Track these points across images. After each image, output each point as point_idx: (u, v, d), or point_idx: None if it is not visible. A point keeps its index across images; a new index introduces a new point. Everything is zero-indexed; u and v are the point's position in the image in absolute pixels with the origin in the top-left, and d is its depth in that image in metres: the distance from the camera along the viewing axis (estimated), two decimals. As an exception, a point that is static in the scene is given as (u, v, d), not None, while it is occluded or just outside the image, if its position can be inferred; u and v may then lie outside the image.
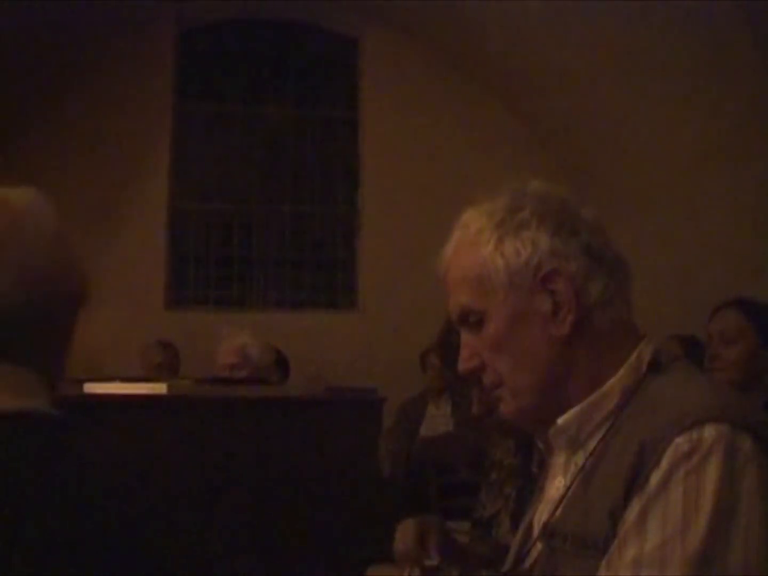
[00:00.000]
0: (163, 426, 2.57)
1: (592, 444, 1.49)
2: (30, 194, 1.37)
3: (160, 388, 2.73)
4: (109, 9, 7.68)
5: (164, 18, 8.38)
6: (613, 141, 7.56)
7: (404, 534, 2.17)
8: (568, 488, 1.50)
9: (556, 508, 1.51)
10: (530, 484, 2.17)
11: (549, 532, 1.51)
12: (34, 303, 1.26)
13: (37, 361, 1.28)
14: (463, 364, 1.60)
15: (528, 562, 1.56)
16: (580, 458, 1.51)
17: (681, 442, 1.32)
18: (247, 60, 8.77)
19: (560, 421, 1.52)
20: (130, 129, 8.18)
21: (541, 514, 1.60)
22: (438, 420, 6.41)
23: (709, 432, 1.33)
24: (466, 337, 1.60)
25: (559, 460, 1.59)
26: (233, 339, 4.83)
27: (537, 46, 7.37)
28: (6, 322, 1.23)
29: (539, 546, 1.54)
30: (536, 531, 1.58)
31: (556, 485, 1.57)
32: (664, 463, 1.32)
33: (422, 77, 8.56)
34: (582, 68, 7.21)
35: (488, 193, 1.61)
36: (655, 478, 1.32)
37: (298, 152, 8.78)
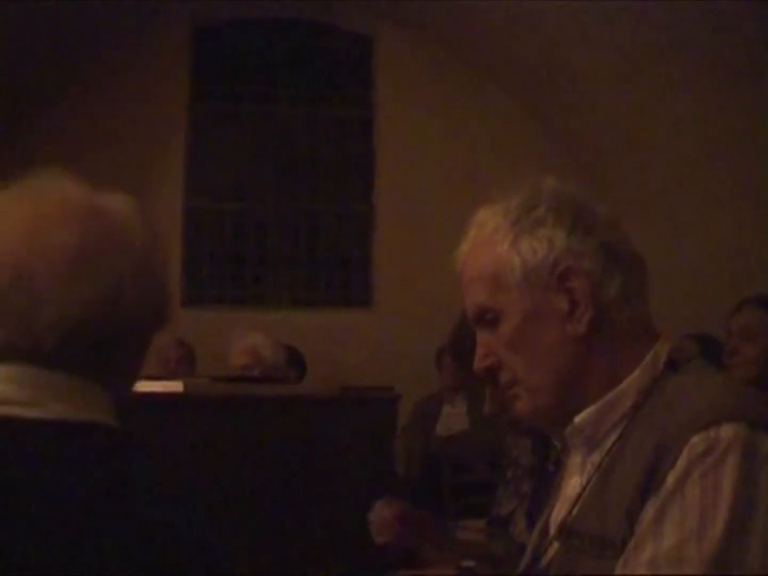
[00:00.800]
0: (178, 424, 2.58)
1: (608, 443, 1.49)
2: (127, 204, 1.34)
3: (176, 386, 2.73)
4: (124, 8, 7.70)
5: (178, 17, 8.39)
6: (626, 139, 7.55)
7: (380, 509, 2.20)
8: (585, 488, 1.49)
9: (573, 507, 1.51)
10: (546, 483, 2.17)
11: (566, 531, 1.51)
12: (114, 319, 1.24)
13: (107, 376, 1.27)
14: (479, 363, 1.59)
15: (544, 562, 1.56)
16: (596, 457, 1.51)
17: (697, 442, 1.31)
18: (261, 59, 8.78)
19: (577, 420, 1.52)
20: (145, 128, 8.20)
21: (557, 514, 1.59)
22: (454, 418, 6.40)
23: (726, 431, 1.32)
24: (482, 336, 1.59)
25: (575, 459, 1.58)
26: (244, 339, 4.83)
27: (551, 44, 7.36)
28: (82, 334, 1.21)
29: (556, 545, 1.54)
30: (552, 530, 1.57)
31: (573, 484, 1.56)
32: (681, 463, 1.31)
33: (437, 75, 8.56)
34: (596, 67, 7.20)
35: (503, 191, 1.60)
36: (671, 478, 1.32)
37: (313, 151, 8.79)
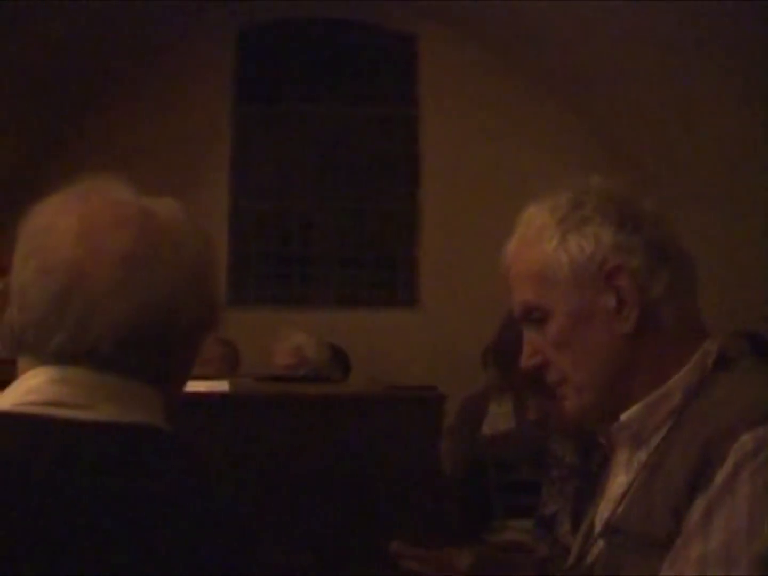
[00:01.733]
0: (224, 424, 2.59)
1: (655, 441, 1.48)
2: (175, 207, 1.34)
3: (221, 385, 2.74)
4: (168, 13, 7.76)
5: (222, 19, 8.44)
6: (670, 136, 7.50)
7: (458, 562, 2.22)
8: (631, 485, 1.49)
9: (619, 505, 1.50)
10: (590, 483, 2.17)
11: (611, 529, 1.50)
12: (167, 322, 1.24)
13: (159, 378, 1.27)
14: (526, 361, 1.59)
15: (589, 560, 1.55)
16: (643, 455, 1.50)
17: (746, 440, 1.30)
18: (305, 59, 8.80)
19: (623, 417, 1.51)
20: (190, 130, 8.25)
21: (602, 512, 1.58)
22: (500, 417, 6.37)
23: None
24: (529, 334, 1.59)
25: (621, 457, 1.58)
26: (288, 340, 4.86)
27: (594, 41, 7.33)
28: (137, 337, 1.21)
29: (601, 543, 1.53)
30: (598, 528, 1.56)
31: (619, 482, 1.56)
32: (730, 462, 1.30)
33: (480, 73, 8.54)
34: (639, 64, 7.16)
35: (550, 188, 1.60)
36: (720, 476, 1.31)
37: (358, 150, 8.80)
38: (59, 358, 1.20)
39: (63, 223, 1.24)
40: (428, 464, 3.34)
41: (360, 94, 8.85)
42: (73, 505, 1.09)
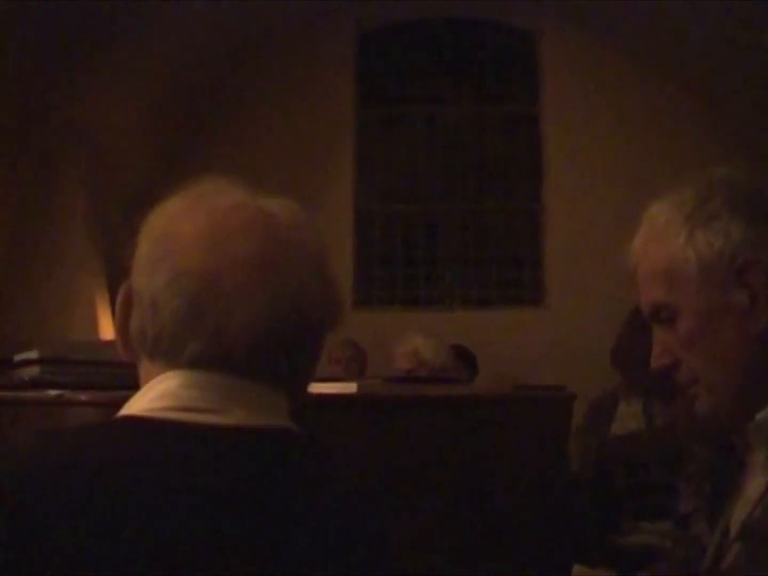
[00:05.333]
0: (353, 425, 2.61)
1: (793, 442, 1.44)
2: (292, 207, 1.33)
3: (350, 387, 2.75)
4: (291, 19, 7.87)
5: (344, 22, 8.52)
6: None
7: None
8: (768, 488, 1.45)
9: (756, 507, 1.46)
10: (727, 482, 2.12)
11: (748, 532, 1.46)
12: (296, 324, 1.24)
13: (287, 380, 1.27)
14: (656, 361, 1.56)
15: (725, 564, 1.52)
16: (780, 456, 1.46)
17: None
18: (426, 60, 8.83)
19: (759, 417, 1.47)
20: (314, 134, 8.36)
21: (739, 515, 1.54)
22: (629, 418, 6.29)
23: None
24: (658, 334, 1.56)
25: (758, 458, 1.53)
26: (405, 344, 4.86)
27: (718, 37, 7.19)
28: (269, 341, 1.21)
29: (737, 547, 1.49)
30: (733, 531, 1.53)
31: (756, 484, 1.51)
32: None
33: (602, 69, 8.46)
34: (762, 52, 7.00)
35: (675, 183, 1.57)
36: None
37: (480, 150, 8.80)
38: (193, 363, 1.21)
39: (190, 228, 1.24)
40: (558, 464, 3.31)
41: (482, 93, 8.85)
42: (211, 511, 1.11)
